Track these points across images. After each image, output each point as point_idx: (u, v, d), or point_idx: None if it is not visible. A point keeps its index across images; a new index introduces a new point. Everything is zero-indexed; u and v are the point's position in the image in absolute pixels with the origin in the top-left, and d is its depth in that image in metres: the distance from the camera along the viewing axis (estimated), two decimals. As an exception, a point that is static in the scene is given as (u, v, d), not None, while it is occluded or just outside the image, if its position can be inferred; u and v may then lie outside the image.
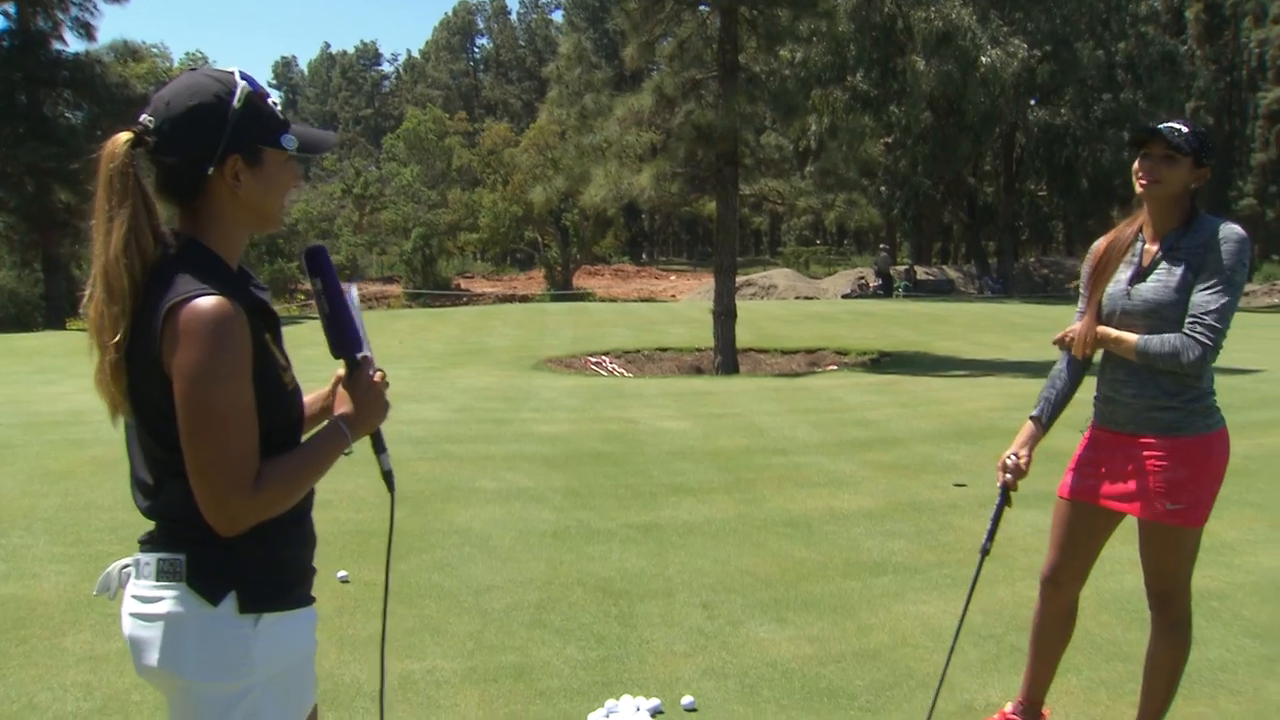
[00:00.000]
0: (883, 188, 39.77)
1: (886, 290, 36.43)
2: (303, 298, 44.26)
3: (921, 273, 40.89)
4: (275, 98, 1.83)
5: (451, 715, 3.58)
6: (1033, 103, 38.51)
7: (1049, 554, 3.18)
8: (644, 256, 77.09)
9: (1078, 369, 3.17)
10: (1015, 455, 3.14)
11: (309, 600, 1.88)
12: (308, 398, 2.00)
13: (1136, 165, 2.95)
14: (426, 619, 4.44)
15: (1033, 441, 3.17)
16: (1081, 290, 3.16)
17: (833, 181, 15.76)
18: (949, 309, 25.91)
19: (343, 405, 1.87)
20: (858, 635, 4.25)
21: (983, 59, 30.12)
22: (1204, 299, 2.80)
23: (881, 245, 45.15)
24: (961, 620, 3.34)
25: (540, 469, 7.36)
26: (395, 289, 48.04)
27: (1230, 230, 2.84)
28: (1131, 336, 2.94)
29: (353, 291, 1.96)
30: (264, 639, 1.75)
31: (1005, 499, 3.20)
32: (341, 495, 6.52)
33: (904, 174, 38.89)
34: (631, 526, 5.90)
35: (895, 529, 5.83)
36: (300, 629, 1.84)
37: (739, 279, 39.33)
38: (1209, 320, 2.79)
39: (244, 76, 1.78)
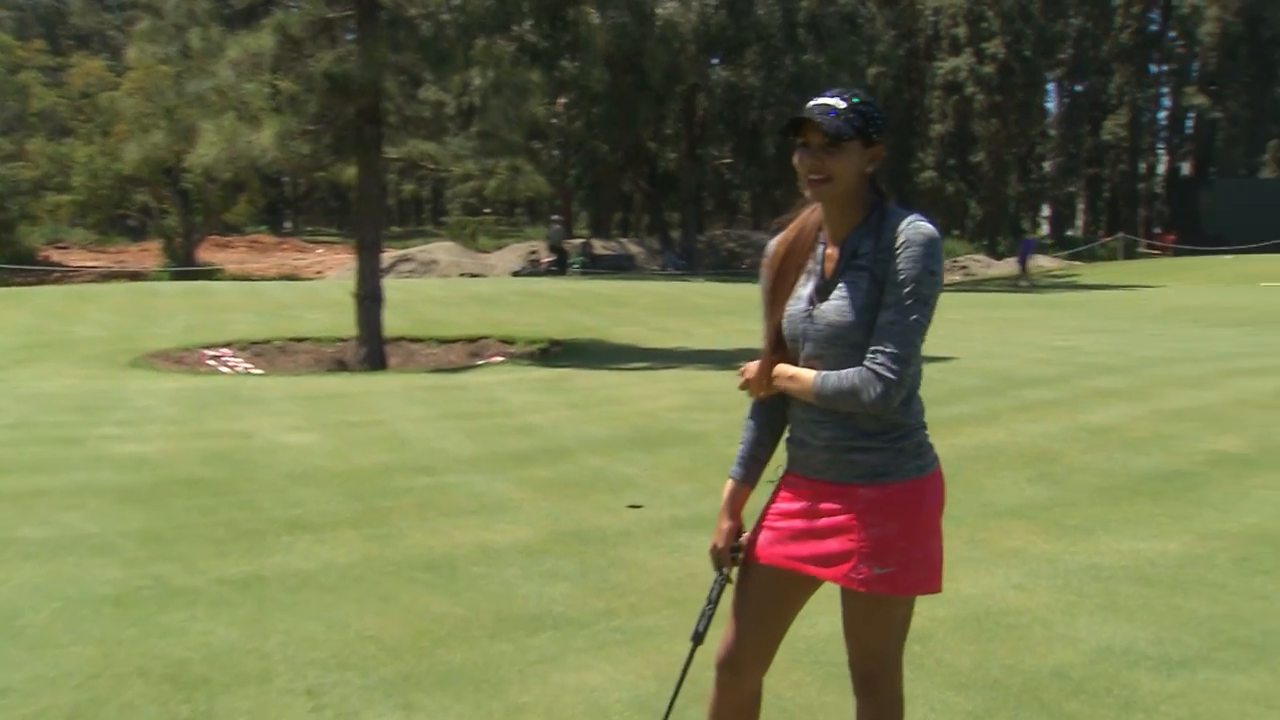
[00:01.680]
0: (556, 151, 39.96)
1: (561, 267, 36.66)
2: None
3: (599, 247, 41.50)
4: None
5: None
6: (715, 62, 39.92)
7: (728, 630, 2.81)
8: (286, 226, 73.93)
9: (771, 409, 2.85)
10: (724, 533, 2.85)
11: None
12: None
13: (797, 160, 2.59)
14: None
15: (740, 505, 2.87)
16: (761, 305, 2.81)
17: (495, 145, 15.31)
18: (628, 288, 26.29)
19: None
20: (504, 722, 3.78)
21: (659, 11, 30.75)
22: (885, 321, 2.52)
23: (555, 217, 45.44)
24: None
25: (113, 506, 6.43)
26: (-40, 261, 43.09)
27: (917, 231, 2.53)
28: (808, 374, 2.63)
29: None
30: None
31: (725, 577, 2.88)
32: None
33: (579, 137, 39.24)
34: (227, 581, 5.16)
35: (557, 568, 5.43)
36: None
37: (395, 253, 38.36)
38: (890, 349, 2.50)
39: None
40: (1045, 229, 70.85)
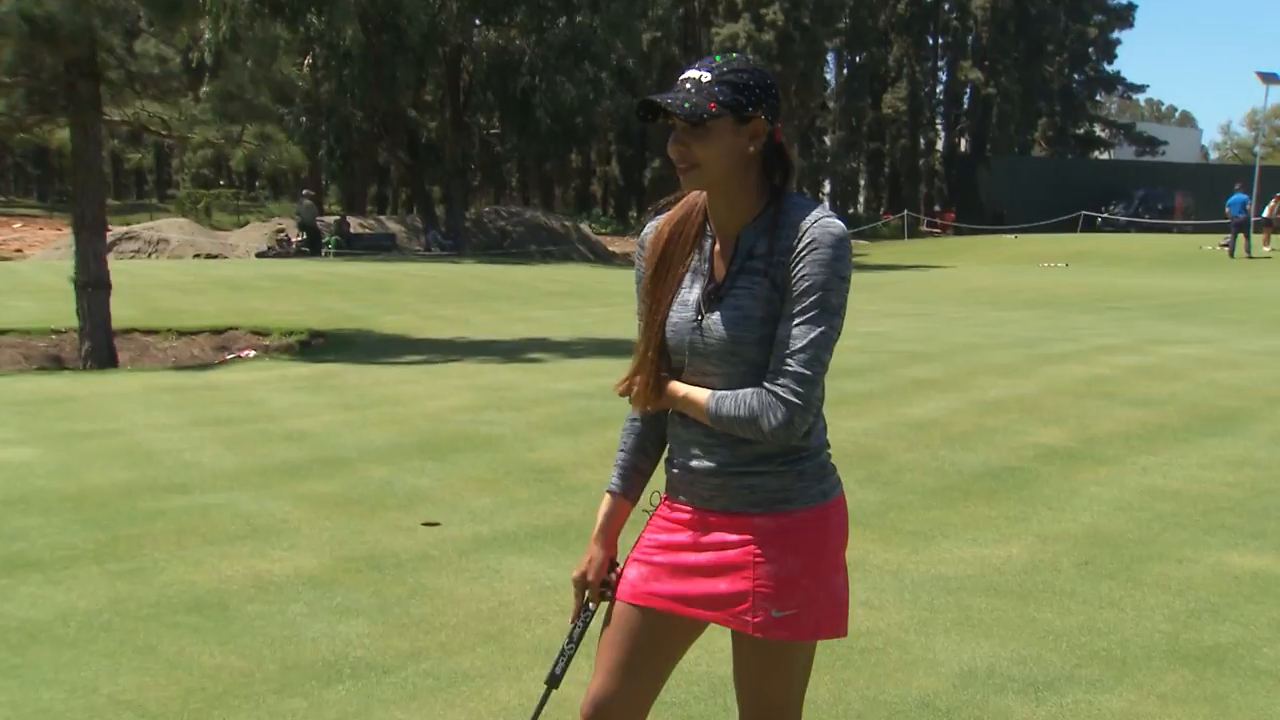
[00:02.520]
0: (304, 118, 38.64)
1: (314, 247, 35.66)
2: None
3: (356, 224, 40.53)
4: None
5: None
6: (477, 22, 39.37)
7: (596, 679, 2.59)
8: (-26, 197, 69.27)
9: (654, 418, 2.64)
10: (595, 563, 2.66)
11: None
12: None
13: (669, 144, 2.43)
14: None
15: (618, 526, 2.67)
16: (637, 301, 2.58)
17: (239, 109, 14.50)
18: (392, 271, 25.68)
19: None
20: (306, 801, 3.42)
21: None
22: (787, 335, 2.34)
23: (305, 191, 44.05)
24: None
25: None
26: None
27: (824, 230, 2.35)
28: (703, 394, 2.44)
29: None
30: None
31: (591, 612, 2.67)
32: None
33: (330, 102, 38.05)
34: (-67, 641, 4.58)
35: (350, 602, 5.07)
36: None
37: (119, 229, 36.26)
38: (794, 368, 2.32)
39: None
40: (827, 206, 73.27)
